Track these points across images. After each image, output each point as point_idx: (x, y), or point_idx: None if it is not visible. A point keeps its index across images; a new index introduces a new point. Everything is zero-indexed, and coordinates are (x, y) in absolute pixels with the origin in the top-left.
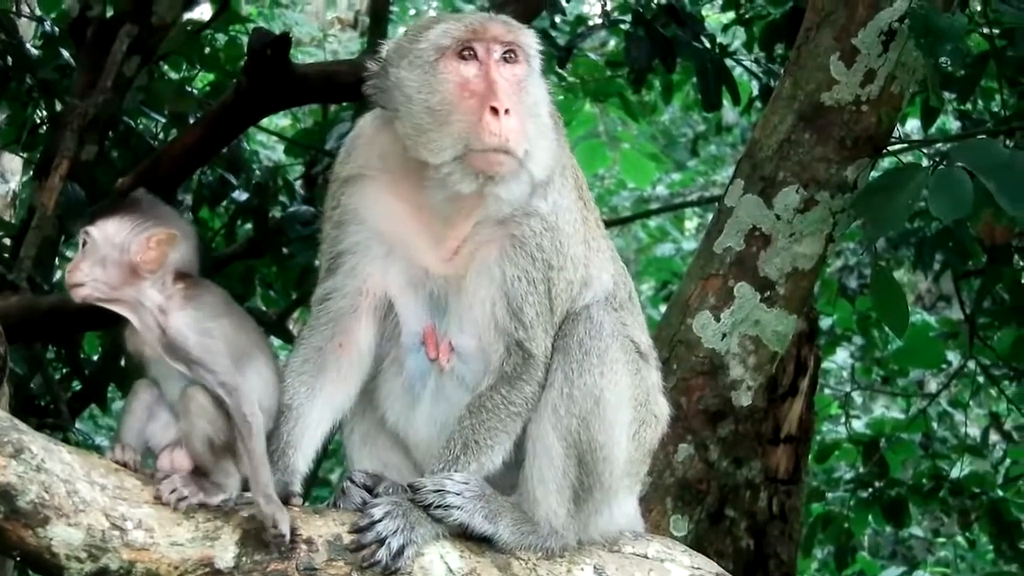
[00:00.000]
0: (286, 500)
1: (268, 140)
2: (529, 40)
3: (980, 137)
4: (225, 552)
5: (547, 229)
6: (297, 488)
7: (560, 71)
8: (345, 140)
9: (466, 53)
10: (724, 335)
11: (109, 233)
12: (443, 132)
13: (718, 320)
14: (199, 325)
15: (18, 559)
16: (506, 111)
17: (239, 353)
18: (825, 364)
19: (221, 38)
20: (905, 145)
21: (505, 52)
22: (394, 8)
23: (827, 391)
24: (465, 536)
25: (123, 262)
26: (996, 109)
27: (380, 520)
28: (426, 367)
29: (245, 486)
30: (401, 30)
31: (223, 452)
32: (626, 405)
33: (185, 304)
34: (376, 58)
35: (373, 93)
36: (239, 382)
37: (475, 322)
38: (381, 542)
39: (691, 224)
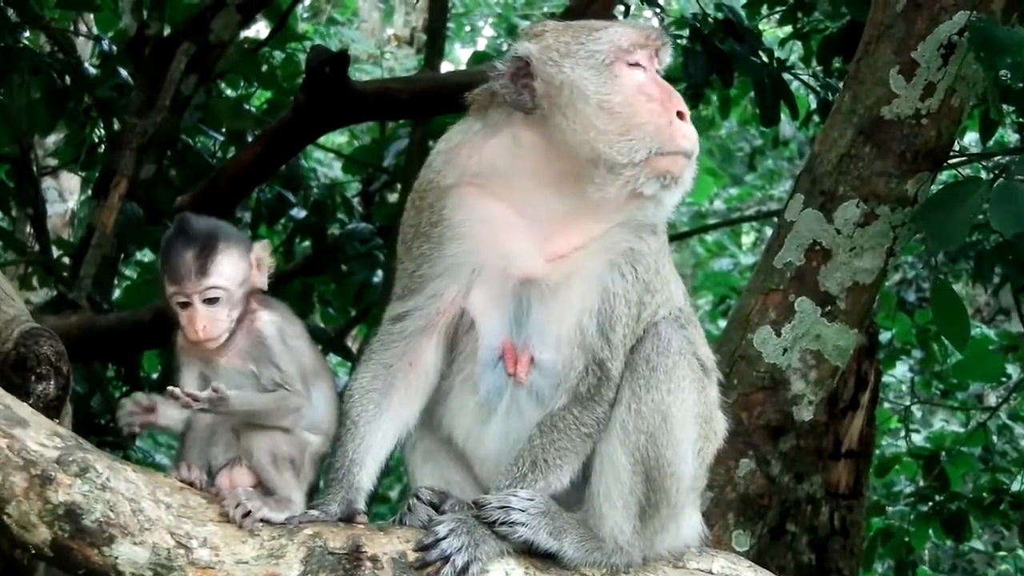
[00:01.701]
0: (351, 518)
1: (325, 157)
2: (670, 50)
3: None
4: (290, 570)
5: (658, 249)
6: (361, 506)
7: None
8: (438, 150)
9: (633, 59)
10: (785, 350)
11: (231, 274)
12: (630, 133)
13: (779, 335)
14: (283, 328)
15: None
16: (687, 116)
17: (310, 369)
18: (884, 378)
19: (278, 56)
20: (964, 158)
21: (659, 60)
22: (450, 25)
23: (886, 405)
24: (530, 553)
25: (244, 290)
26: None
27: (445, 537)
28: (503, 382)
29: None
30: (467, 51)
31: (286, 465)
32: (692, 422)
33: (266, 307)
34: (511, 59)
35: (506, 93)
36: (303, 391)
37: (560, 336)
38: (446, 559)
39: (748, 239)
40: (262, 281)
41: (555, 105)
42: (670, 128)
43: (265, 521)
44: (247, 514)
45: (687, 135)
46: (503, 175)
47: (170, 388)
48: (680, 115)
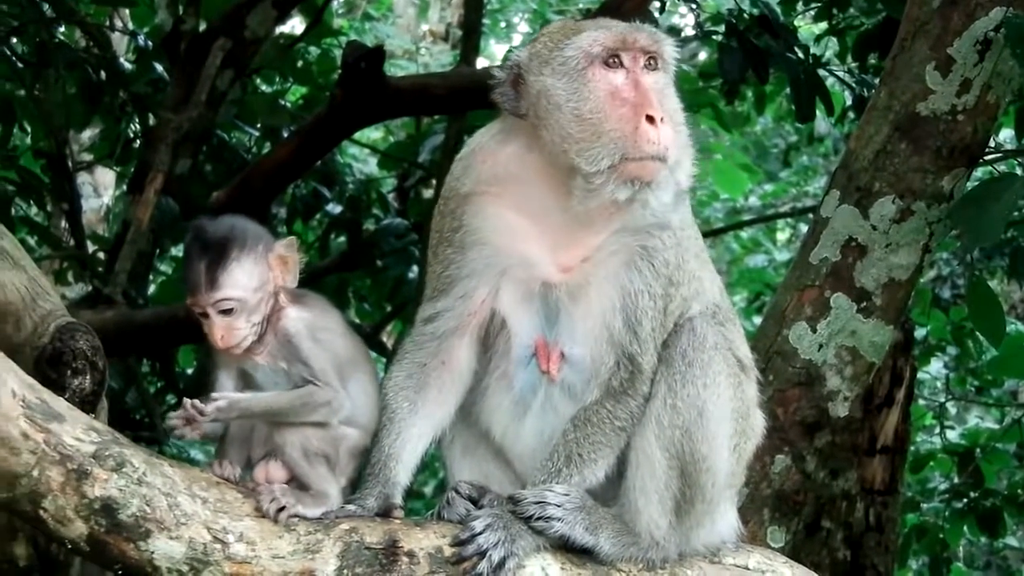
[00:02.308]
0: (388, 512)
1: (360, 153)
2: (669, 49)
3: None
4: (326, 565)
5: (675, 244)
6: (398, 500)
7: None
8: (460, 156)
9: (612, 61)
10: (821, 346)
11: (244, 283)
12: (598, 140)
13: (814, 331)
14: (312, 324)
15: (119, 573)
16: (661, 119)
17: (345, 362)
18: (919, 374)
19: (313, 51)
20: (1000, 155)
21: (648, 60)
22: (485, 20)
23: (921, 401)
24: (566, 548)
25: (267, 293)
26: None
27: (481, 532)
28: (536, 379)
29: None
30: (502, 47)
31: (318, 460)
32: (728, 417)
33: (296, 303)
34: (506, 66)
35: (503, 101)
36: (337, 385)
37: (588, 333)
38: (482, 554)
39: (783, 235)
40: (290, 279)
41: (537, 113)
42: (635, 134)
43: (299, 516)
44: (281, 509)
45: (653, 140)
46: (516, 182)
47: (169, 416)
48: (650, 119)
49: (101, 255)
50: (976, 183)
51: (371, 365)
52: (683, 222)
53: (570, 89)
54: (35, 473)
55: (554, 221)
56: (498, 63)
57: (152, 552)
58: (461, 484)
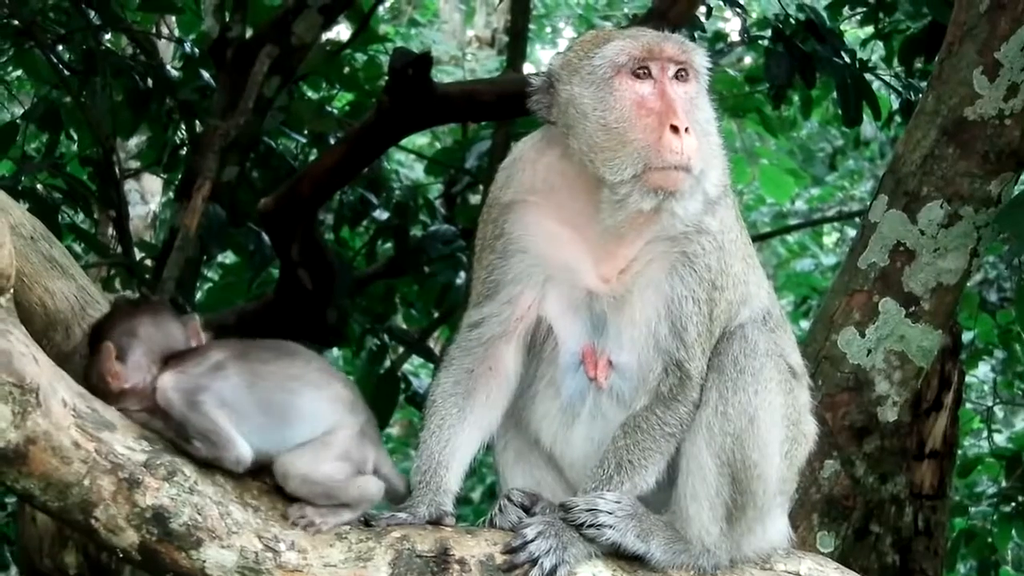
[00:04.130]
0: (439, 520)
1: (407, 159)
2: (700, 59)
3: None
4: (377, 573)
5: (716, 248)
6: (449, 508)
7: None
8: (503, 165)
9: (641, 71)
10: (869, 351)
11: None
12: (622, 150)
13: (863, 336)
14: (184, 388)
15: None
16: (686, 129)
17: (263, 408)
18: (966, 378)
19: (360, 58)
20: None
21: (678, 70)
22: (531, 26)
23: (968, 405)
24: (618, 555)
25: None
26: None
27: (533, 540)
28: (584, 386)
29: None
30: (548, 52)
31: (325, 478)
32: (779, 424)
33: (171, 370)
34: (541, 74)
35: (539, 108)
36: (226, 440)
37: (635, 340)
38: (534, 562)
39: (830, 239)
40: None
41: (566, 122)
42: (659, 144)
43: (340, 525)
44: (310, 524)
45: (676, 149)
46: (554, 191)
47: None
48: (674, 129)
49: (148, 262)
50: (1023, 187)
51: (316, 374)
52: (724, 226)
53: (596, 98)
54: (86, 482)
55: (591, 232)
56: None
57: (204, 561)
58: (513, 491)
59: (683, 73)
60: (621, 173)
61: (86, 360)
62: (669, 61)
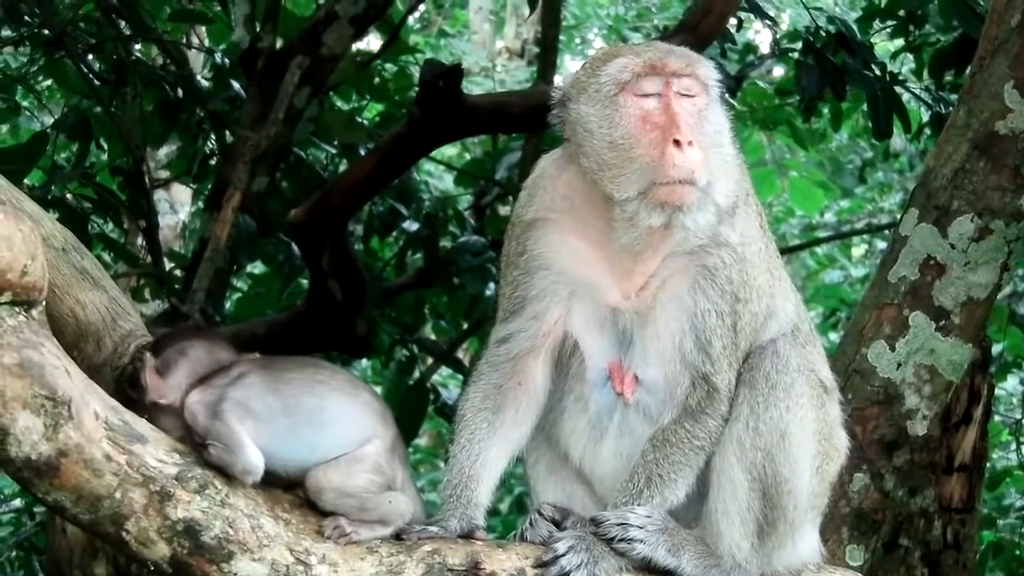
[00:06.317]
0: (470, 534)
1: (437, 170)
2: (706, 71)
3: None
4: None
5: (737, 260)
6: (481, 521)
7: (729, 99)
8: (526, 183)
9: (645, 87)
10: (899, 364)
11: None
12: (628, 167)
13: (893, 349)
14: (207, 400)
15: None
16: (689, 143)
17: (288, 411)
18: (995, 391)
19: (390, 68)
20: None
21: (684, 84)
22: (561, 37)
23: (997, 418)
24: (648, 570)
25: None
26: None
27: (564, 555)
28: (612, 401)
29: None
30: (577, 63)
31: (358, 492)
32: (810, 439)
33: (198, 388)
34: (555, 90)
35: (556, 124)
36: (237, 446)
37: (661, 354)
38: None
39: (859, 251)
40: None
41: (576, 140)
42: (662, 159)
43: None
44: (344, 535)
45: (679, 164)
46: (575, 208)
47: None
48: (677, 143)
49: (178, 272)
50: None
51: (327, 382)
52: (745, 237)
53: (602, 116)
54: (118, 495)
55: (611, 249)
56: None
57: (235, 574)
58: (544, 506)
59: (690, 87)
60: (627, 190)
61: (118, 371)
62: (674, 75)
